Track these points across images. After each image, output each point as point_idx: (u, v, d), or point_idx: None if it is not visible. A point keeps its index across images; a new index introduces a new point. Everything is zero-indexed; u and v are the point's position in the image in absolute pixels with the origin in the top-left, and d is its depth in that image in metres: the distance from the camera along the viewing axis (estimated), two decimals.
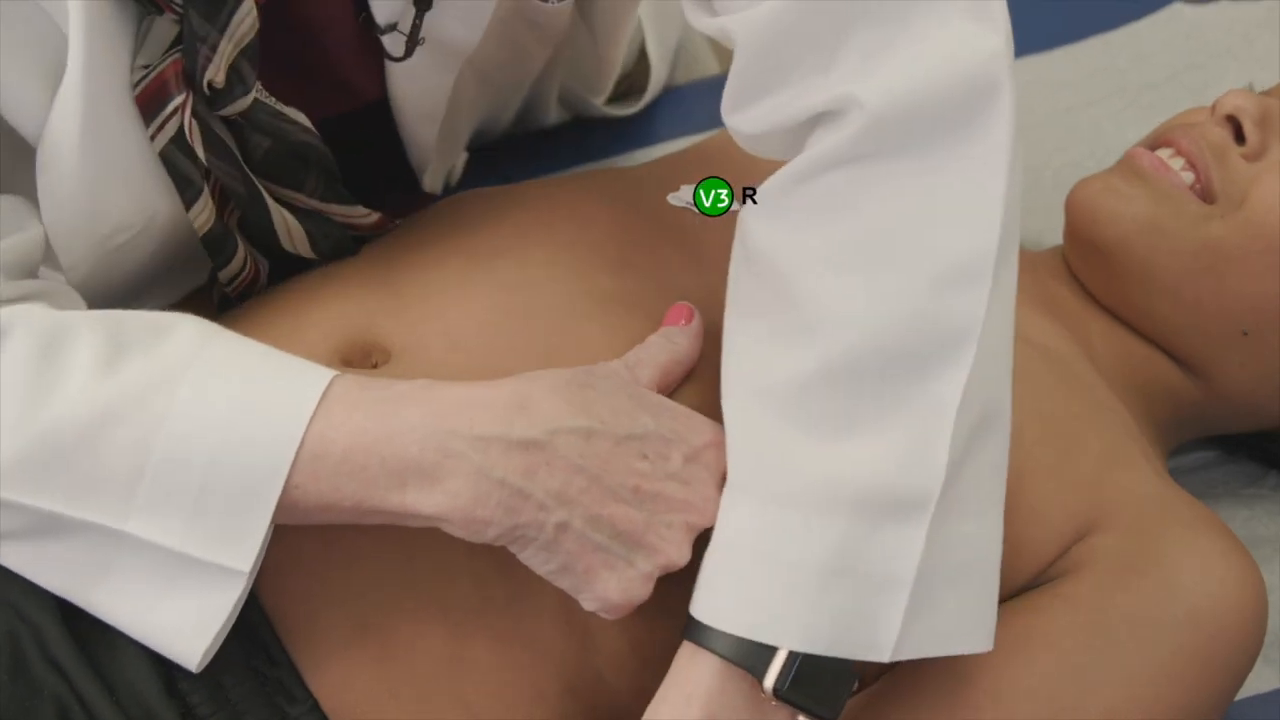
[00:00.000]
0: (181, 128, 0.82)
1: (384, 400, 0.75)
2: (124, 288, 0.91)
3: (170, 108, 0.81)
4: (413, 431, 0.74)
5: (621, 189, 0.98)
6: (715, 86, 1.39)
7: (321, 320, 0.88)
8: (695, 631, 0.76)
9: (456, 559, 0.80)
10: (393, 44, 0.87)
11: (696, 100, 1.36)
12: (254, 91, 0.84)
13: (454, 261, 0.90)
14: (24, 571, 0.77)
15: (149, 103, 0.81)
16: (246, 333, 0.87)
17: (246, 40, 0.81)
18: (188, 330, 0.77)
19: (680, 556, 0.77)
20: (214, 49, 0.80)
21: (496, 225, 0.93)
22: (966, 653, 0.76)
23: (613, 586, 0.76)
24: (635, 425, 0.77)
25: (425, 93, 0.94)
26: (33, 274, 0.83)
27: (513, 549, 0.76)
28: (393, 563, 0.80)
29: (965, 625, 0.76)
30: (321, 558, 0.80)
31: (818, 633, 0.73)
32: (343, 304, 0.89)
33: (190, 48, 0.80)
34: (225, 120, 0.85)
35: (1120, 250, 0.96)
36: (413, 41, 0.87)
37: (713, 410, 0.81)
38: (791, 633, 0.73)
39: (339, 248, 0.94)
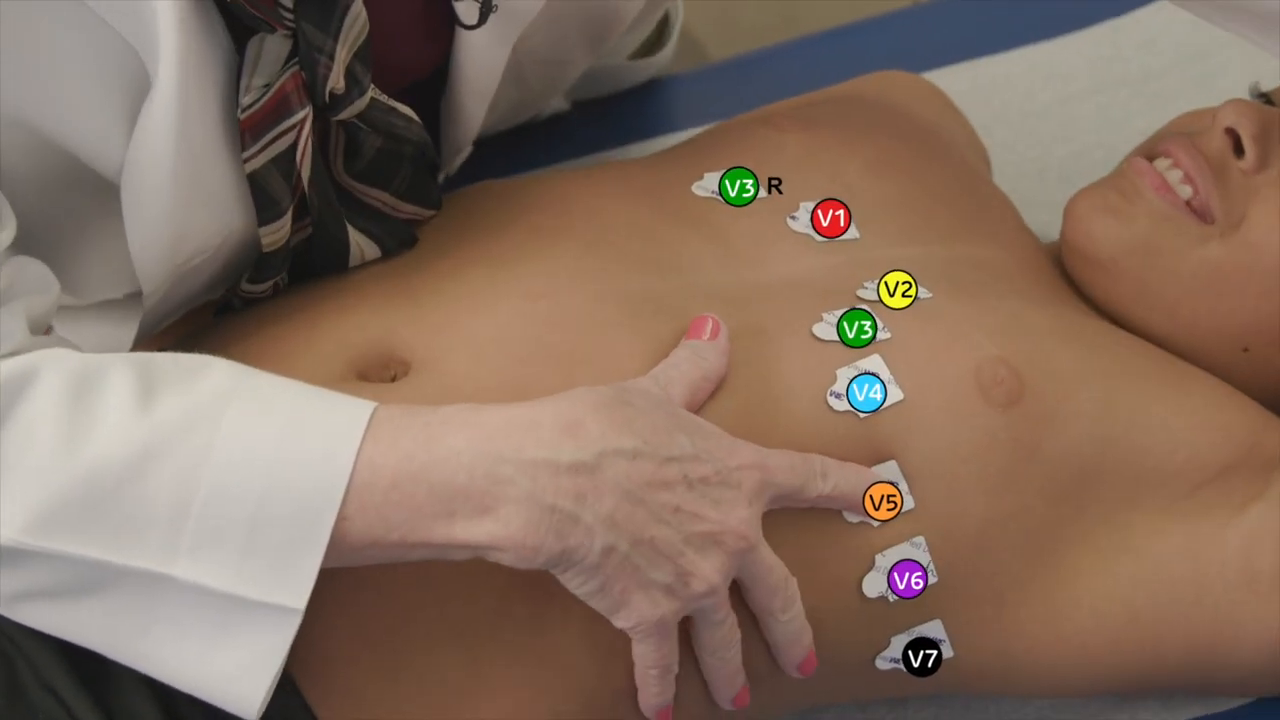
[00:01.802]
0: (293, 145, 0.81)
1: (428, 426, 0.73)
2: (176, 305, 0.90)
3: (287, 124, 0.80)
4: (459, 458, 0.72)
5: (639, 182, 0.96)
6: (714, 76, 1.40)
7: (336, 329, 0.86)
8: None
9: (475, 574, 0.78)
10: (466, 12, 0.86)
11: (695, 90, 1.34)
12: (369, 91, 0.83)
13: (474, 269, 0.88)
14: (58, 632, 0.73)
15: (262, 121, 0.79)
16: (257, 342, 0.88)
17: (360, 41, 0.80)
18: (221, 367, 0.75)
19: (715, 581, 0.76)
20: (332, 57, 0.79)
21: (513, 228, 0.91)
22: None
23: (646, 608, 0.75)
24: (674, 446, 0.76)
25: (483, 66, 0.92)
26: (43, 333, 0.80)
27: (554, 572, 0.74)
28: (406, 577, 0.79)
29: None
30: (328, 571, 0.77)
31: None
32: (359, 313, 0.87)
33: (308, 60, 0.78)
34: (340, 124, 0.84)
35: (1115, 268, 0.95)
36: (487, 7, 0.85)
37: (746, 422, 0.81)
38: None
39: (404, 242, 0.92)
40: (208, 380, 0.73)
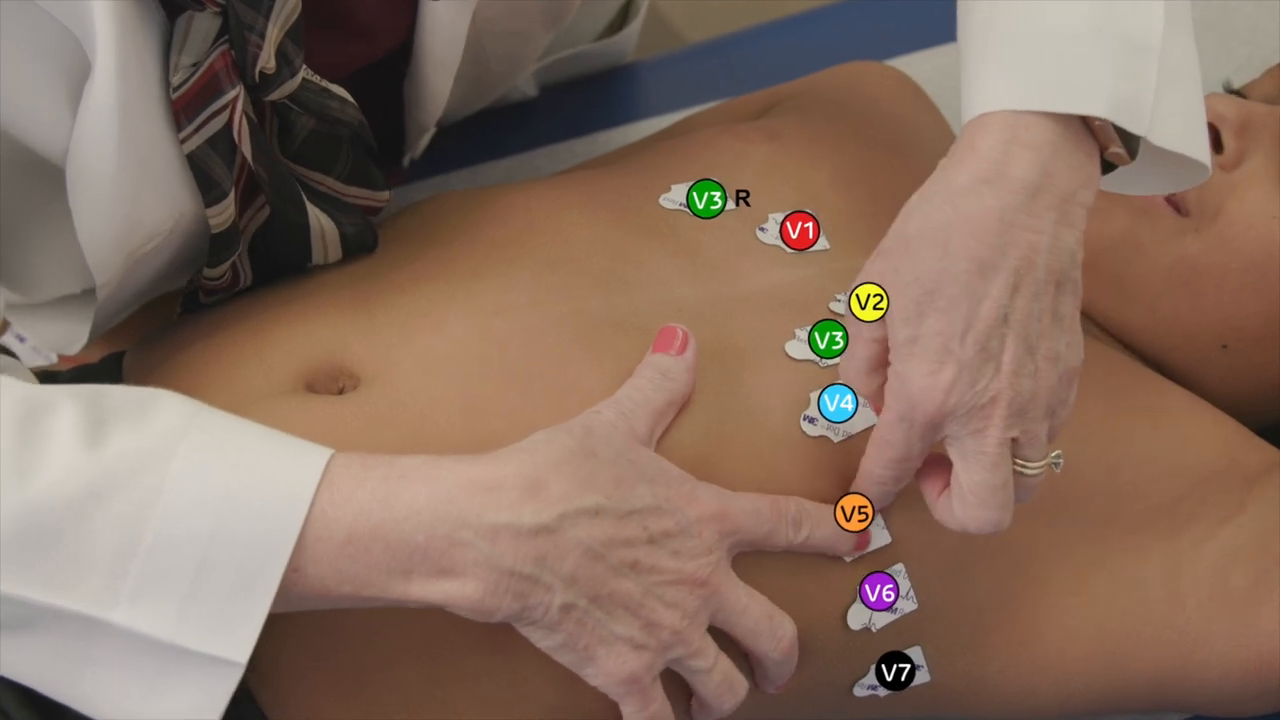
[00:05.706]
0: (228, 124, 0.79)
1: (386, 479, 0.71)
2: (132, 295, 0.88)
3: (219, 104, 0.78)
4: (417, 517, 0.70)
5: (604, 194, 0.94)
6: (684, 60, 1.38)
7: (285, 339, 0.84)
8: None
9: None
10: None
11: (666, 75, 1.33)
12: (301, 72, 0.81)
13: (430, 283, 0.87)
14: None
15: (193, 101, 0.78)
16: (207, 350, 0.86)
17: (292, 20, 0.78)
18: (173, 403, 0.72)
19: (678, 626, 0.75)
20: (263, 35, 0.77)
21: (473, 242, 0.90)
22: (1195, 156, 0.77)
23: (613, 663, 0.74)
24: (635, 499, 0.74)
25: (445, 37, 0.90)
26: None
27: (516, 626, 0.73)
28: None
29: (1192, 132, 0.78)
30: None
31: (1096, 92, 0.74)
32: (311, 323, 0.85)
33: (239, 38, 0.77)
34: (272, 105, 0.82)
35: (1093, 265, 0.93)
36: None
37: (715, 441, 0.80)
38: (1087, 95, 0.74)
39: (362, 241, 0.90)
40: (159, 418, 0.71)
